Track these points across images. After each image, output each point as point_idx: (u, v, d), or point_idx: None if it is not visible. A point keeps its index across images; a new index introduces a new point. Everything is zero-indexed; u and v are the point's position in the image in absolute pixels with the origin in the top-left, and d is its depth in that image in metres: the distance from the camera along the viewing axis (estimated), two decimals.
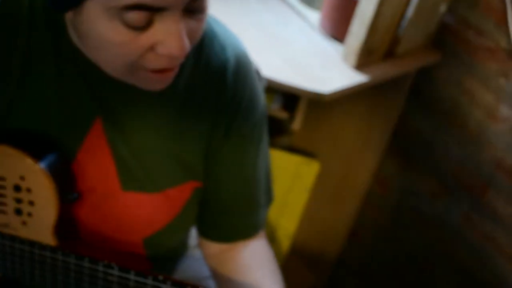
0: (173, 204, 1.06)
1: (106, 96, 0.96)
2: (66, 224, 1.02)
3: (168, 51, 0.82)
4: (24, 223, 0.99)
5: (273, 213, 1.92)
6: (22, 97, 0.95)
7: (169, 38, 0.81)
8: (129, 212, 1.04)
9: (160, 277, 0.88)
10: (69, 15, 0.86)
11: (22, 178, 0.95)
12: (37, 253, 0.99)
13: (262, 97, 1.10)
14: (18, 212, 0.98)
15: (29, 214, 0.98)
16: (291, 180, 1.84)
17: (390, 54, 1.72)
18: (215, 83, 1.02)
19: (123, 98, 0.97)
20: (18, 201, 0.97)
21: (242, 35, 1.64)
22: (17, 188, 0.96)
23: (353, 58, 1.64)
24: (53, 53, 0.94)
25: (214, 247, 1.15)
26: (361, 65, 1.65)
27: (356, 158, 2.07)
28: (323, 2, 1.71)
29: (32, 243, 0.98)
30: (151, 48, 0.83)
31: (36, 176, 0.95)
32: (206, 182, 1.08)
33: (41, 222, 0.98)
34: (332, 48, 1.70)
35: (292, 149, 1.83)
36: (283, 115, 1.68)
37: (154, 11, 0.79)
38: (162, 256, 1.15)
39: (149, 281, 0.89)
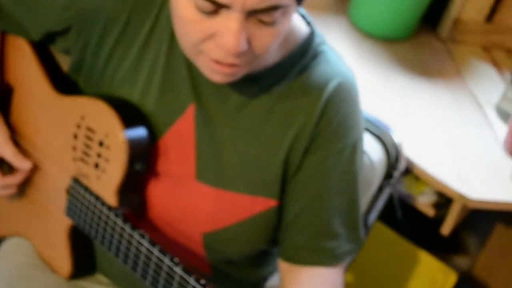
0: (241, 209, 1.08)
1: (203, 87, 1.05)
2: (136, 198, 1.11)
3: (222, 44, 0.90)
4: (98, 177, 1.08)
5: None
6: (136, 67, 1.08)
7: (226, 32, 0.89)
8: (195, 202, 1.09)
9: None
10: None
11: (107, 135, 1.06)
12: (98, 209, 1.08)
13: (358, 129, 1.09)
14: (96, 166, 1.08)
15: (103, 170, 1.08)
16: (426, 285, 1.74)
17: None
18: (308, 100, 1.05)
19: (217, 93, 1.05)
20: (99, 155, 1.08)
21: (421, 123, 1.64)
22: (100, 144, 1.07)
23: None
24: (169, 38, 1.06)
25: (282, 265, 1.13)
26: None
27: None
28: (510, 120, 1.64)
29: (97, 197, 1.08)
30: (212, 35, 0.91)
31: (117, 138, 1.05)
32: (282, 200, 1.09)
33: (109, 181, 1.07)
34: (506, 165, 1.60)
35: (437, 252, 1.74)
36: (430, 212, 1.62)
37: (218, 6, 0.88)
38: (224, 265, 1.17)
39: None
